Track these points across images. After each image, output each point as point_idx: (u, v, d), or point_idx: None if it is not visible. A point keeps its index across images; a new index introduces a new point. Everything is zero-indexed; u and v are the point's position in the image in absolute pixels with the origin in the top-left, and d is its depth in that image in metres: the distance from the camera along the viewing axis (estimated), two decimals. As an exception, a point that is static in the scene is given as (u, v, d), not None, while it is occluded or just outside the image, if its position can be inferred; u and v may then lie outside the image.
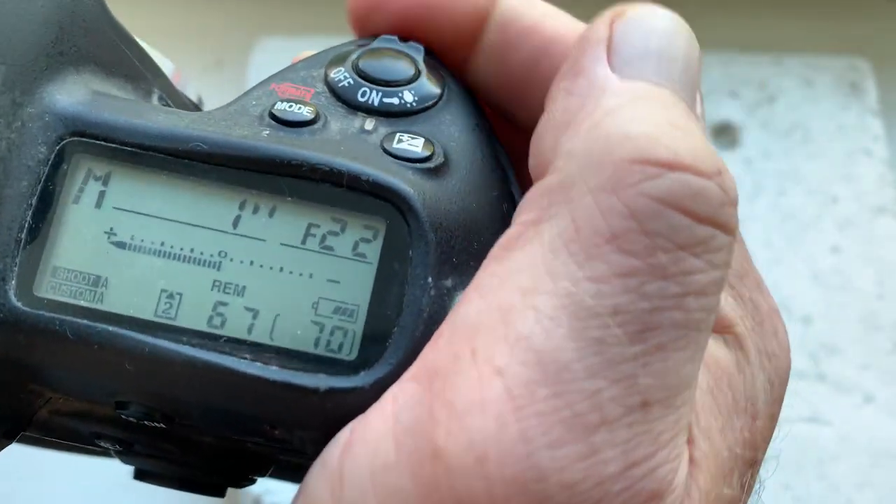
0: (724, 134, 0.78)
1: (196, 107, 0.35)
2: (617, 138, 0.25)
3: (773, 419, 0.30)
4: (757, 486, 0.29)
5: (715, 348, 0.28)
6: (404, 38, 0.32)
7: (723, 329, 0.29)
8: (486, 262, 0.26)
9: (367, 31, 0.33)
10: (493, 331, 0.24)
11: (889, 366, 0.70)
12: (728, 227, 0.25)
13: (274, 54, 0.76)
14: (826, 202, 0.75)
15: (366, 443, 0.24)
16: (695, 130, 0.26)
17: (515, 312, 0.24)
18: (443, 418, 0.24)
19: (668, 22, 0.28)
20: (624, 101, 0.26)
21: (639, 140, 0.25)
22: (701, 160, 0.25)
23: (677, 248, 0.24)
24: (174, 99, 0.33)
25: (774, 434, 0.30)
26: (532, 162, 0.28)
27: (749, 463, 0.28)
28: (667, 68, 0.27)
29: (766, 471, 0.30)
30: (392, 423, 0.24)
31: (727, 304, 0.29)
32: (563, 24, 0.32)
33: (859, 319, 0.72)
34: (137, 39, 0.32)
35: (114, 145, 0.28)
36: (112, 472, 0.63)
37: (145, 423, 0.28)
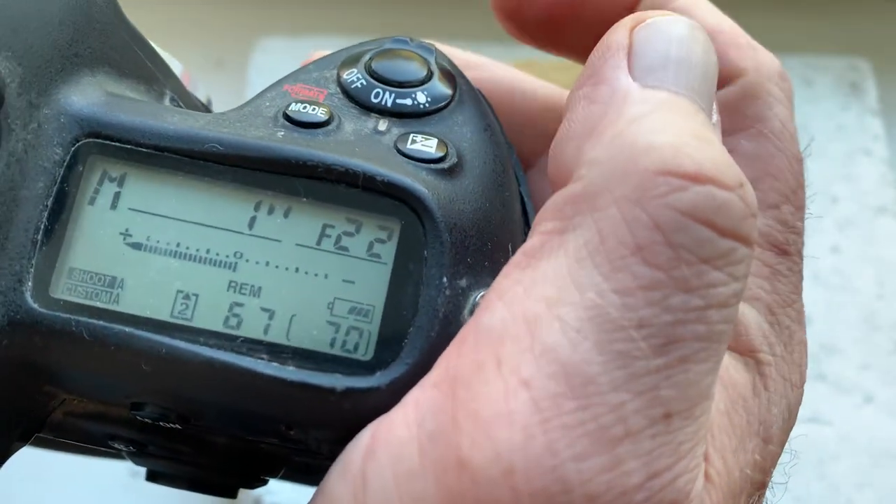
0: (725, 134, 0.78)
1: (206, 108, 0.35)
2: (641, 148, 0.25)
3: (783, 446, 0.30)
4: None
5: (734, 370, 0.28)
6: (415, 39, 0.32)
7: (745, 352, 0.29)
8: (508, 269, 0.26)
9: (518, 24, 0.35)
10: (518, 341, 0.24)
11: (889, 366, 0.70)
12: (748, 240, 0.25)
13: (274, 54, 0.76)
14: (826, 202, 0.75)
15: (389, 448, 0.25)
16: (715, 141, 0.26)
17: (541, 323, 0.24)
18: (467, 427, 0.24)
19: (687, 30, 0.28)
20: (647, 111, 0.26)
21: (663, 151, 0.25)
22: (724, 172, 0.25)
23: (700, 261, 0.24)
24: (185, 100, 0.33)
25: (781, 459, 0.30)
26: (552, 169, 0.28)
27: (758, 486, 0.29)
28: (686, 77, 0.27)
29: (771, 493, 0.30)
30: (416, 429, 0.24)
31: (760, 328, 0.29)
32: None
33: (859, 319, 0.72)
34: (148, 40, 0.32)
35: (129, 146, 0.28)
36: (111, 473, 0.63)
37: (160, 423, 0.28)
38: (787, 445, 0.30)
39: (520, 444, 0.23)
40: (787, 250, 0.31)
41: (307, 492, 0.28)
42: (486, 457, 0.23)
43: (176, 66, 0.34)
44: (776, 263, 0.31)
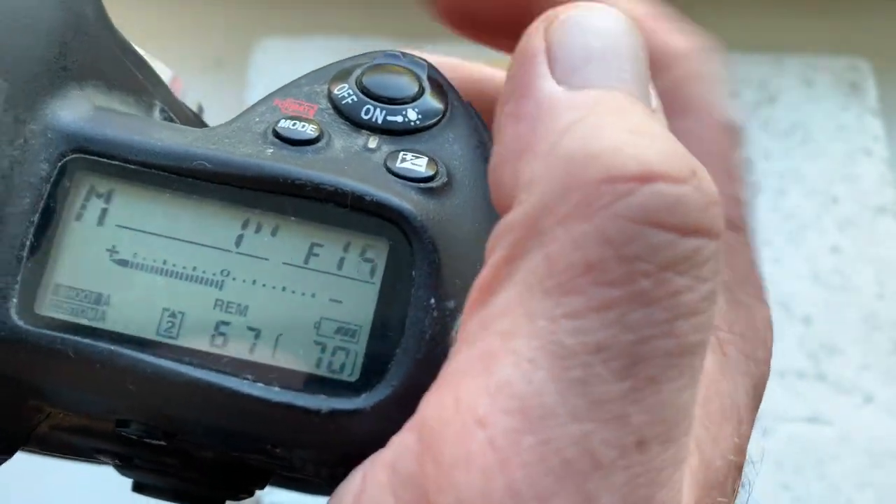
0: (725, 134, 0.78)
1: (197, 116, 0.35)
2: (579, 159, 0.23)
3: (752, 424, 0.29)
4: (743, 489, 0.29)
5: None
6: (407, 54, 0.32)
7: None
8: (468, 305, 0.25)
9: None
10: (474, 378, 0.23)
11: (889, 366, 0.71)
12: (714, 232, 0.23)
13: (274, 54, 0.76)
14: (826, 202, 0.75)
15: (372, 493, 0.24)
16: (658, 132, 0.24)
17: (495, 358, 0.23)
18: (432, 472, 0.23)
19: (604, 17, 0.26)
20: (577, 116, 0.24)
21: (602, 157, 0.23)
22: (672, 164, 0.23)
23: (659, 269, 0.22)
24: (176, 110, 0.33)
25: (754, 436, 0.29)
26: (493, 197, 0.26)
27: (739, 468, 0.28)
28: (613, 68, 0.25)
29: (754, 471, 0.30)
30: (390, 474, 0.24)
31: (718, 309, 0.28)
32: None
33: (859, 319, 0.72)
34: (136, 48, 0.32)
35: (116, 162, 0.27)
36: (110, 472, 0.63)
37: (146, 440, 0.28)
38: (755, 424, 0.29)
39: (480, 488, 0.22)
40: (736, 225, 0.30)
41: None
42: (450, 502, 0.22)
43: (165, 74, 0.34)
44: (727, 240, 0.28)
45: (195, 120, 0.34)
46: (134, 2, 0.83)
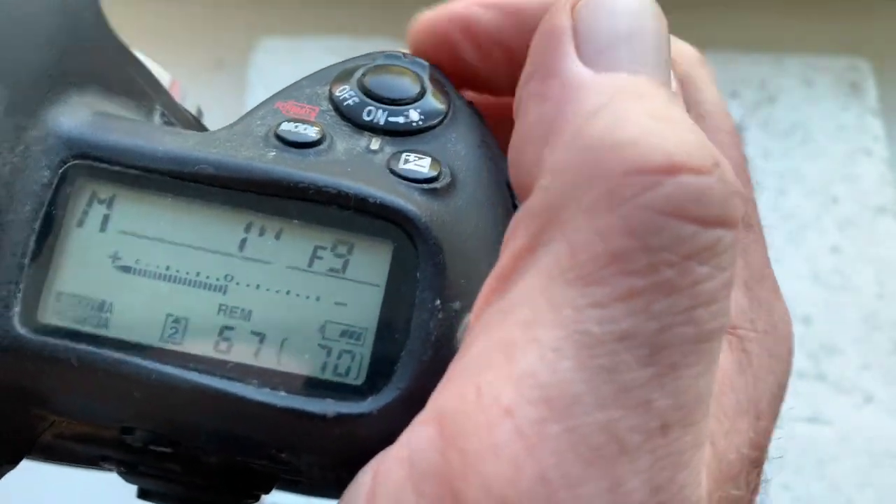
0: (724, 134, 0.78)
1: (197, 120, 0.35)
2: (604, 148, 0.23)
3: (775, 419, 0.29)
4: (763, 484, 0.29)
5: None
6: (409, 54, 0.32)
7: (727, 331, 0.28)
8: (484, 294, 0.25)
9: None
10: (496, 368, 0.23)
11: (889, 366, 0.71)
12: (734, 222, 0.24)
13: (274, 54, 0.76)
14: (826, 202, 0.75)
15: (388, 489, 0.24)
16: (681, 118, 0.24)
17: (518, 347, 0.23)
18: (457, 464, 0.23)
19: None
20: (604, 101, 0.24)
21: (627, 147, 0.23)
22: (696, 155, 0.23)
23: (683, 259, 0.23)
24: (175, 114, 0.33)
25: (775, 433, 0.29)
26: (514, 178, 0.27)
27: (755, 462, 0.28)
28: (640, 51, 0.25)
29: (768, 470, 0.30)
30: (409, 468, 0.23)
31: (738, 306, 0.28)
32: None
33: (859, 319, 0.72)
34: (136, 53, 0.32)
35: (118, 168, 0.27)
36: (114, 477, 0.63)
37: (151, 447, 0.28)
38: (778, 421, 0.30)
39: (509, 477, 0.22)
40: (749, 223, 0.30)
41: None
42: (478, 493, 0.22)
43: (164, 78, 0.33)
44: (743, 239, 0.29)
45: (195, 124, 0.34)
46: (134, 3, 0.83)
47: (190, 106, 0.35)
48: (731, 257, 0.24)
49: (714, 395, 0.26)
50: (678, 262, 0.23)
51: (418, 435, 0.24)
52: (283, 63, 0.74)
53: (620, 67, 0.25)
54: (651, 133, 0.23)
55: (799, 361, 0.70)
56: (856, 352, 0.71)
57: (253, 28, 0.79)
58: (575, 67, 0.25)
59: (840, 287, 0.73)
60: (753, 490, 0.28)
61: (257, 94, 0.30)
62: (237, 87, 0.75)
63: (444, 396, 0.24)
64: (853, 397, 0.70)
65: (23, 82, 0.27)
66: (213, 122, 0.31)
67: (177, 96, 0.34)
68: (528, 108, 0.26)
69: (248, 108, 0.30)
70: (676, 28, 0.27)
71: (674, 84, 0.27)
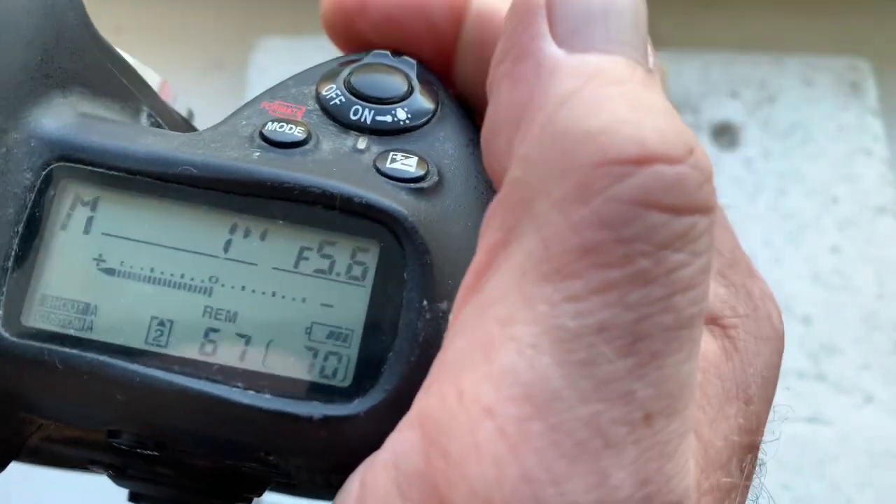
0: (724, 134, 0.77)
1: (186, 121, 0.35)
2: (575, 137, 0.23)
3: (769, 402, 0.29)
4: (759, 469, 0.28)
5: (701, 341, 0.27)
6: (397, 53, 0.32)
7: (708, 321, 0.28)
8: (461, 292, 0.25)
9: (346, 40, 0.33)
10: (475, 368, 0.23)
11: (889, 366, 0.70)
12: (708, 208, 0.23)
13: (274, 54, 0.76)
14: (826, 202, 0.75)
15: (375, 495, 0.23)
16: (657, 105, 0.24)
17: (495, 345, 0.23)
18: (441, 467, 0.22)
19: None
20: (577, 85, 0.23)
21: (599, 137, 0.22)
22: (670, 143, 0.23)
23: (657, 248, 0.22)
24: (163, 116, 0.32)
25: (770, 418, 0.29)
26: (487, 164, 0.26)
27: (747, 448, 0.27)
28: (616, 29, 0.25)
29: (765, 462, 0.29)
30: (395, 474, 0.23)
31: (716, 294, 0.28)
32: None
33: (859, 319, 0.72)
34: (123, 54, 0.32)
35: (101, 170, 0.27)
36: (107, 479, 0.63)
37: (138, 450, 0.28)
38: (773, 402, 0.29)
39: (493, 477, 0.22)
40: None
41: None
42: (464, 495, 0.22)
43: (153, 78, 0.33)
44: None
45: (184, 125, 0.34)
46: (134, 3, 0.83)
47: (181, 107, 0.35)
48: (706, 242, 0.23)
49: (698, 384, 0.26)
50: (652, 251, 0.22)
51: (402, 439, 0.24)
52: (283, 63, 0.74)
53: (596, 48, 0.24)
54: (624, 121, 0.23)
55: (799, 361, 0.70)
56: (856, 352, 0.71)
57: (252, 28, 0.79)
58: (548, 48, 0.25)
59: (840, 287, 0.73)
60: (748, 476, 0.27)
61: (257, 94, 0.30)
62: (237, 88, 0.75)
63: (426, 399, 0.24)
64: (853, 397, 0.70)
65: (3, 84, 0.27)
66: (213, 122, 0.30)
67: (167, 97, 0.34)
68: (500, 91, 0.25)
69: (248, 109, 0.30)
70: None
71: (651, 60, 0.26)
